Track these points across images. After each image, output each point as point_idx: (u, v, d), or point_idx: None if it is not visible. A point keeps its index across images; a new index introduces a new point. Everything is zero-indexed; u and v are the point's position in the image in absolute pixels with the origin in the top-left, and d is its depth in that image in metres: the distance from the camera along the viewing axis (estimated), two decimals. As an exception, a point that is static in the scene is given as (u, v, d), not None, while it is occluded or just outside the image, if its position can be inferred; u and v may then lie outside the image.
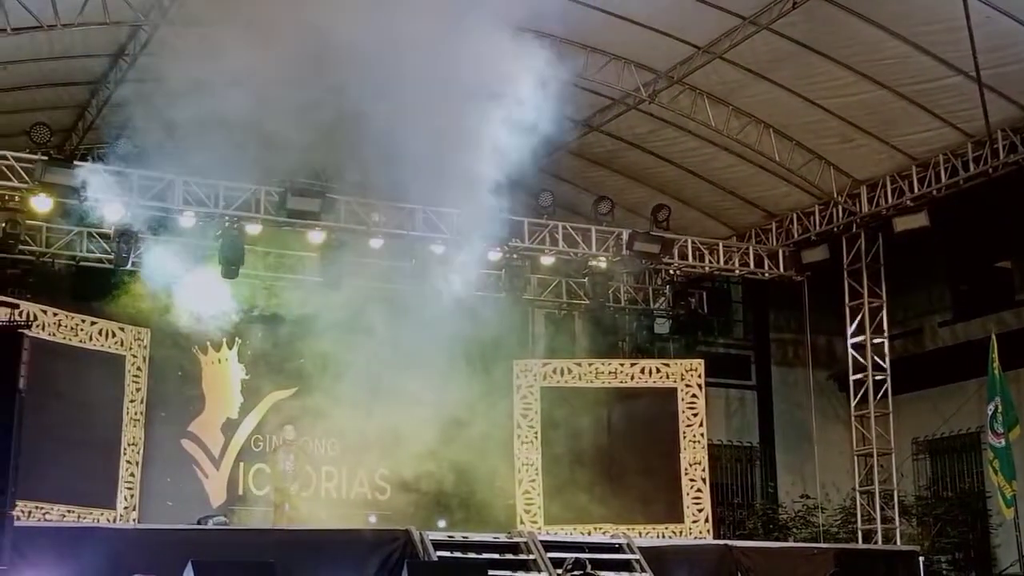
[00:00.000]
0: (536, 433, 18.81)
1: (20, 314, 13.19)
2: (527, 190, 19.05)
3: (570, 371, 19.20)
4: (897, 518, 18.40)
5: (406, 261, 18.24)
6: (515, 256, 18.30)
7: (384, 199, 17.43)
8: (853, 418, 18.92)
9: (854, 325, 18.93)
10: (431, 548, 13.23)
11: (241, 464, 17.98)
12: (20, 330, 11.67)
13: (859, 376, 18.84)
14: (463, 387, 17.69)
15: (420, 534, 13.36)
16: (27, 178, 15.36)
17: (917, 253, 19.06)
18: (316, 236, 17.31)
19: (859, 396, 18.82)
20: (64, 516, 15.50)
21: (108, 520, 15.79)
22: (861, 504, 18.66)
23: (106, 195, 15.83)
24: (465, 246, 17.68)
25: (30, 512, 14.76)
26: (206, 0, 14.05)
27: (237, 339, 18.17)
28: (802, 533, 19.87)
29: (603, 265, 19.04)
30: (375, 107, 14.44)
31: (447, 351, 17.32)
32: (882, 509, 18.36)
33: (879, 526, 18.25)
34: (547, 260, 18.92)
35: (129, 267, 16.74)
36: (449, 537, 13.84)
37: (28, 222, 16.16)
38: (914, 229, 17.60)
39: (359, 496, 18.55)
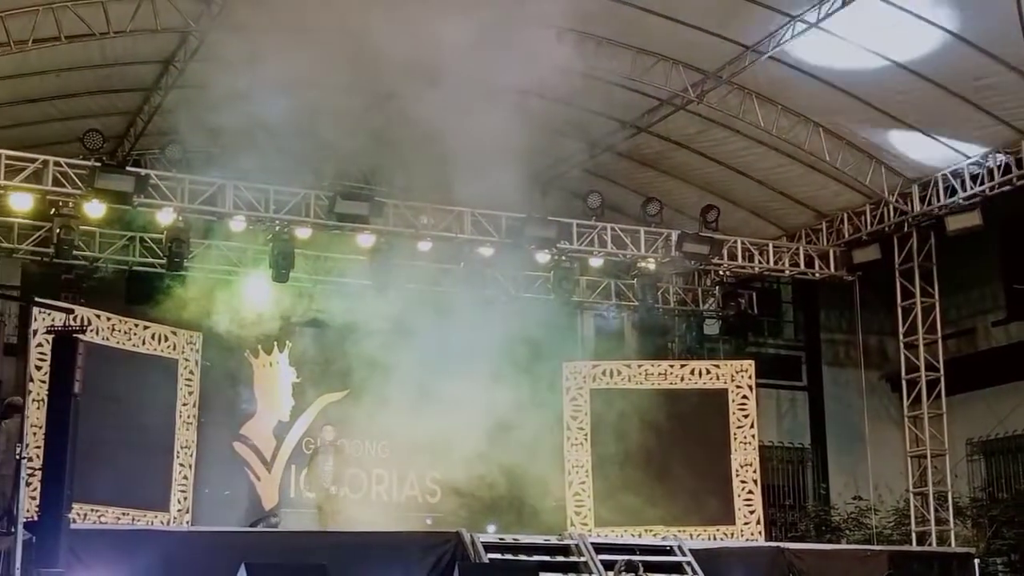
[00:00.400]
0: (586, 435, 18.75)
1: (75, 319, 13.41)
2: (575, 192, 19.12)
3: (619, 373, 19.12)
4: (951, 520, 18.19)
5: (455, 264, 18.31)
6: (564, 258, 18.25)
7: (432, 202, 17.51)
8: (906, 419, 18.73)
9: (906, 325, 18.74)
10: (482, 550, 13.24)
11: (292, 467, 18.04)
12: (75, 335, 11.81)
13: (912, 376, 18.65)
14: (512, 389, 17.73)
15: (471, 536, 13.39)
16: (80, 184, 15.52)
17: (970, 252, 18.82)
18: (365, 240, 17.37)
19: (912, 397, 18.63)
20: (119, 519, 15.63)
21: (162, 522, 15.91)
22: (915, 506, 18.47)
23: (158, 200, 15.97)
24: (513, 248, 17.81)
25: (85, 515, 14.91)
26: (253, 7, 14.11)
27: (287, 342, 18.27)
28: (855, 535, 19.69)
29: (652, 266, 18.98)
30: (421, 109, 14.49)
31: (496, 354, 17.45)
32: (936, 511, 18.16)
33: (933, 528, 18.05)
34: (596, 262, 18.89)
35: (181, 271, 16.81)
36: (500, 539, 13.90)
37: (81, 228, 16.26)
38: (967, 228, 17.41)
39: (410, 499, 18.63)
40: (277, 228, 16.74)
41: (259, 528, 15.59)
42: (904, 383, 18.76)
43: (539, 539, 14.27)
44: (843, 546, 17.85)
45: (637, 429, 18.47)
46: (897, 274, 18.84)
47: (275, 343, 18.24)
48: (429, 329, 17.49)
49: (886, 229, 18.73)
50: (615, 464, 18.44)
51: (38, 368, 15.04)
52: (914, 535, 18.40)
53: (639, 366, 19.32)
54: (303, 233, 16.99)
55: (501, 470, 17.62)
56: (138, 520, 15.78)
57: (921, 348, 18.50)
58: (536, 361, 18.17)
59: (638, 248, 18.56)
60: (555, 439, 18.65)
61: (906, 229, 18.58)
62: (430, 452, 17.89)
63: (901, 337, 18.81)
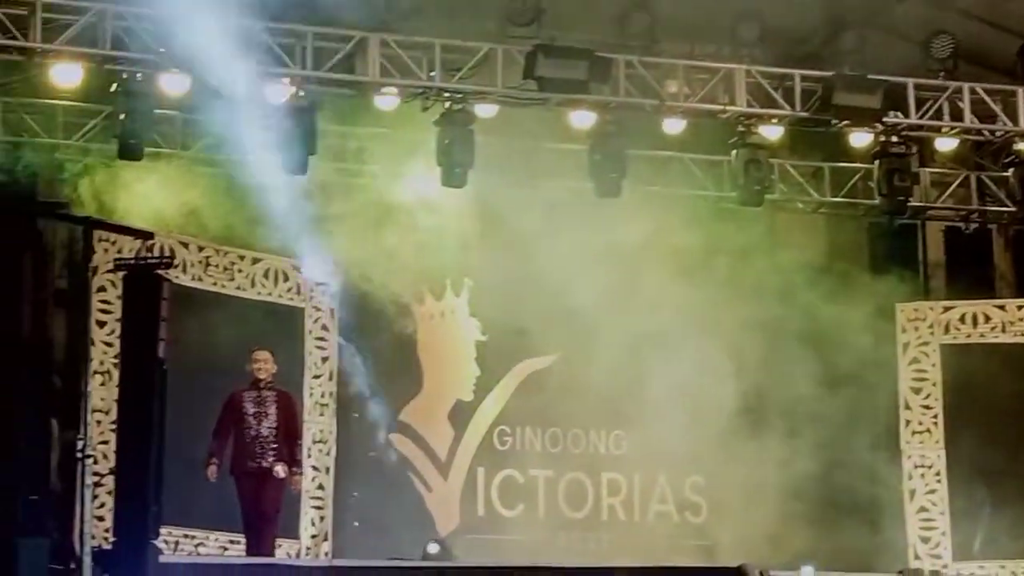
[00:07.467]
0: (935, 417, 18.63)
1: (151, 248, 13.61)
2: (910, 35, 18.70)
3: (987, 319, 18.92)
4: None
5: (722, 154, 18.25)
6: (894, 139, 17.99)
7: (685, 57, 17.48)
8: None
9: None
10: (777, 593, 13.40)
11: (480, 470, 18.42)
12: (156, 272, 12.10)
13: None
14: (810, 348, 18.10)
15: (760, 573, 13.74)
16: (152, 44, 15.79)
17: None
18: (581, 118, 17.40)
19: None
20: (225, 548, 16.06)
21: (289, 553, 16.28)
22: None
23: (268, 66, 16.19)
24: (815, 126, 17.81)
25: (178, 543, 15.45)
26: None
27: (467, 280, 18.54)
28: None
29: (1036, 149, 18.60)
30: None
31: (780, 293, 18.00)
32: None
33: None
34: (946, 144, 18.64)
35: (304, 174, 16.85)
36: None
37: (157, 112, 16.48)
38: None
39: (660, 516, 18.85)
40: (448, 105, 16.85)
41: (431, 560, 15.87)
42: None
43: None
44: None
45: (1020, 407, 18.31)
46: None
47: (448, 283, 18.56)
48: (677, 255, 17.83)
49: None
50: (984, 464, 18.26)
51: (101, 324, 15.51)
52: None
53: (1019, 308, 19.00)
54: (486, 111, 17.12)
55: (798, 473, 17.95)
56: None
57: None
58: (852, 302, 18.25)
59: (1014, 120, 18.18)
60: (886, 423, 18.72)
61: None
62: (687, 447, 18.14)
63: None
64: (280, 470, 14.67)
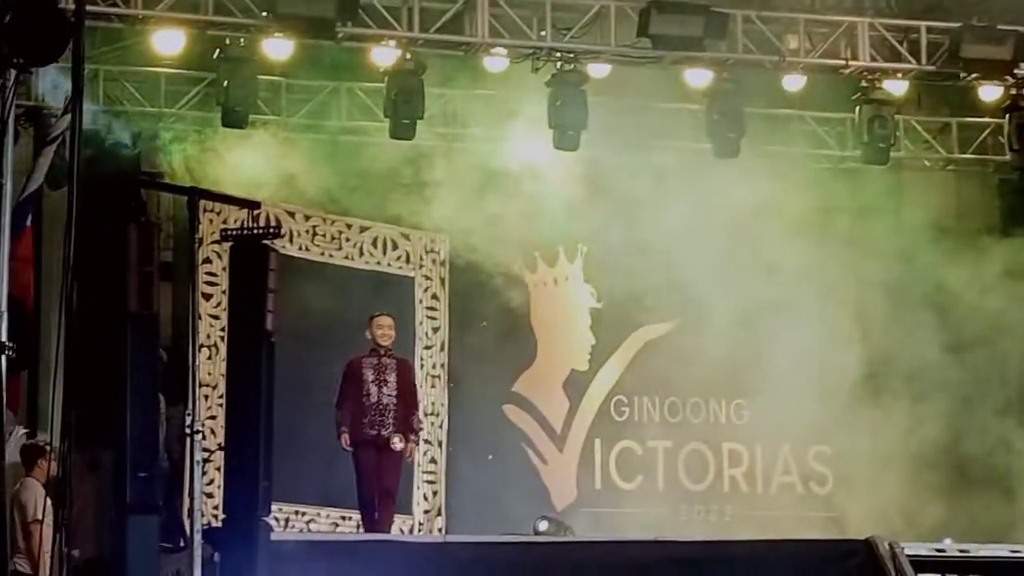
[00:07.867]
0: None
1: (257, 217, 13.56)
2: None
3: None
4: None
5: (844, 110, 18.17)
6: (1026, 92, 17.79)
7: (804, 11, 17.37)
8: None
9: None
10: (907, 567, 13.27)
11: (597, 442, 18.31)
12: (264, 242, 12.01)
13: None
14: (937, 311, 18.10)
15: (889, 546, 13.39)
16: (255, 9, 15.73)
17: None
18: (697, 77, 17.24)
19: None
20: (337, 525, 16.16)
21: (402, 530, 16.28)
22: None
23: (374, 29, 16.15)
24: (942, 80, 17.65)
25: (288, 519, 15.52)
26: None
27: (581, 246, 18.41)
28: None
29: None
30: None
31: (905, 254, 18.05)
32: None
33: None
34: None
35: (411, 139, 16.85)
36: (936, 551, 13.90)
37: (262, 78, 16.50)
38: None
39: (785, 488, 18.74)
40: (559, 65, 16.74)
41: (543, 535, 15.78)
42: None
43: (1003, 550, 14.22)
44: None
45: None
46: None
47: (561, 249, 18.43)
48: (797, 218, 17.69)
49: None
50: None
51: (207, 297, 15.54)
52: None
53: None
54: (599, 71, 17.04)
55: (933, 441, 17.95)
56: (365, 526, 16.18)
57: None
58: (981, 263, 18.12)
59: None
60: (1018, 388, 18.61)
61: None
62: (812, 414, 17.96)
63: None
64: (397, 442, 14.45)
